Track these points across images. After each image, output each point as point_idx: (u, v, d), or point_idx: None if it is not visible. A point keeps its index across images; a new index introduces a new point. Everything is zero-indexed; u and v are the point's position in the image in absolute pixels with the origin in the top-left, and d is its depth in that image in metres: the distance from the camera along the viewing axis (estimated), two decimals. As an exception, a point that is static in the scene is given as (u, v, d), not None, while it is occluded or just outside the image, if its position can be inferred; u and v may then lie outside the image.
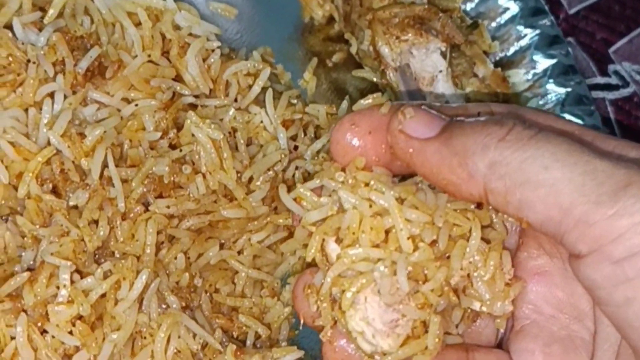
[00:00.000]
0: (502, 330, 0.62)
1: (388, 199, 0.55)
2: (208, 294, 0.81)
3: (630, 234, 0.48)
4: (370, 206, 0.56)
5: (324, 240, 0.58)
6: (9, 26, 0.77)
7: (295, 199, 0.61)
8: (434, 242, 0.56)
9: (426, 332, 0.56)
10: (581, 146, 0.51)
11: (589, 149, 0.51)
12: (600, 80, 1.10)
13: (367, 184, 0.57)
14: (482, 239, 0.58)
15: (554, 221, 0.51)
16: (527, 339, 0.59)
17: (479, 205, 0.57)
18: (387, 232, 0.56)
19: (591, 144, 0.54)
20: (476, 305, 0.59)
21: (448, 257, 0.57)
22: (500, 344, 0.63)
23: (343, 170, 0.59)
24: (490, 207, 0.57)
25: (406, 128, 0.56)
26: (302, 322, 0.62)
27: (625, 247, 0.48)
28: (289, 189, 0.63)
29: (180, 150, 0.77)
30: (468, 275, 0.58)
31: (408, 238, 0.55)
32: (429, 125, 0.56)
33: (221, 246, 0.82)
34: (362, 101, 0.63)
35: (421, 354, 0.56)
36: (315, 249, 0.58)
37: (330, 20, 1.02)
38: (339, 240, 0.57)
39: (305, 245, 0.59)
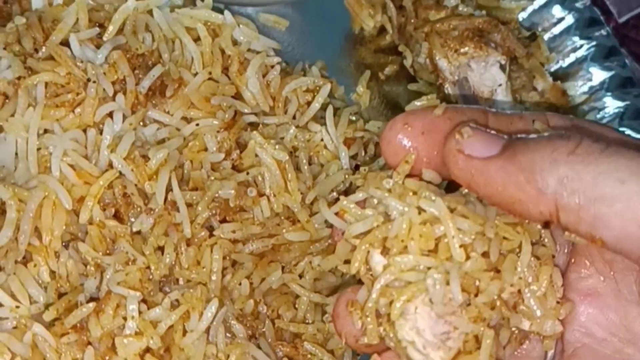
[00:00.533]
0: (550, 354, 0.59)
1: (439, 206, 0.53)
2: (270, 320, 0.78)
3: None
4: (420, 213, 0.54)
5: (368, 252, 0.55)
6: (65, 43, 0.74)
7: (337, 213, 0.58)
8: (485, 254, 0.54)
9: (478, 348, 0.54)
10: None
11: None
12: (653, 91, 1.07)
13: (415, 192, 0.55)
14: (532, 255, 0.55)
15: (632, 238, 0.48)
16: None
17: (546, 225, 0.55)
18: (436, 242, 0.54)
19: None
20: (525, 325, 0.56)
21: (498, 272, 0.54)
22: None
23: (389, 176, 0.56)
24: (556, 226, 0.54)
25: (465, 148, 0.54)
26: (343, 342, 0.59)
27: None
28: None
29: (247, 173, 0.74)
30: (519, 291, 0.56)
31: (460, 246, 0.53)
32: (489, 144, 0.53)
33: (282, 269, 0.79)
34: (415, 102, 0.62)
35: None
36: (360, 261, 0.55)
37: (381, 31, 0.99)
38: (385, 252, 0.55)
39: (347, 262, 0.56)
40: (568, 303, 0.57)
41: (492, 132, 0.54)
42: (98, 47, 0.74)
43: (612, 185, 0.48)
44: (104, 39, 0.74)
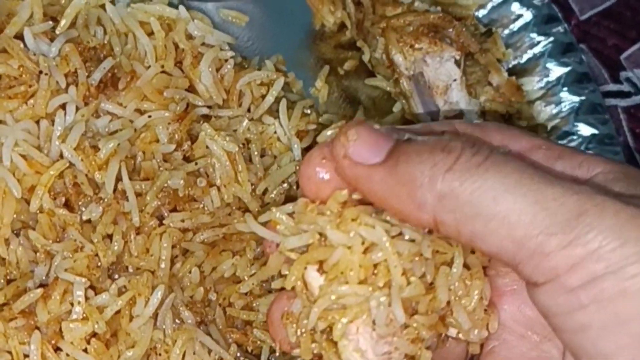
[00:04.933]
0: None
1: (379, 234, 0.53)
2: (222, 307, 0.79)
3: (585, 262, 0.47)
4: (363, 243, 0.53)
5: (305, 268, 0.55)
6: (19, 36, 0.76)
7: (266, 223, 0.57)
8: (422, 275, 0.54)
9: None
10: (532, 173, 0.50)
11: (540, 174, 0.50)
12: (612, 87, 1.09)
13: (354, 219, 0.54)
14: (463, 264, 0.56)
15: (508, 253, 0.50)
16: None
17: (429, 232, 0.55)
18: (375, 265, 0.53)
19: (556, 161, 0.54)
20: (452, 332, 0.57)
21: (431, 284, 0.55)
22: None
23: (318, 203, 0.55)
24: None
25: (350, 153, 0.53)
26: (278, 347, 0.59)
27: (580, 275, 0.47)
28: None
29: (196, 164, 0.76)
30: (448, 302, 0.56)
31: (402, 274, 0.53)
32: (374, 149, 0.53)
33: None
34: (326, 132, 0.59)
35: None
36: (297, 277, 0.55)
37: (342, 27, 1.01)
38: (321, 270, 0.54)
39: (281, 275, 0.57)
40: (494, 314, 0.57)
41: (379, 131, 0.53)
42: (52, 40, 0.76)
43: (486, 204, 0.49)
44: (57, 32, 0.76)
